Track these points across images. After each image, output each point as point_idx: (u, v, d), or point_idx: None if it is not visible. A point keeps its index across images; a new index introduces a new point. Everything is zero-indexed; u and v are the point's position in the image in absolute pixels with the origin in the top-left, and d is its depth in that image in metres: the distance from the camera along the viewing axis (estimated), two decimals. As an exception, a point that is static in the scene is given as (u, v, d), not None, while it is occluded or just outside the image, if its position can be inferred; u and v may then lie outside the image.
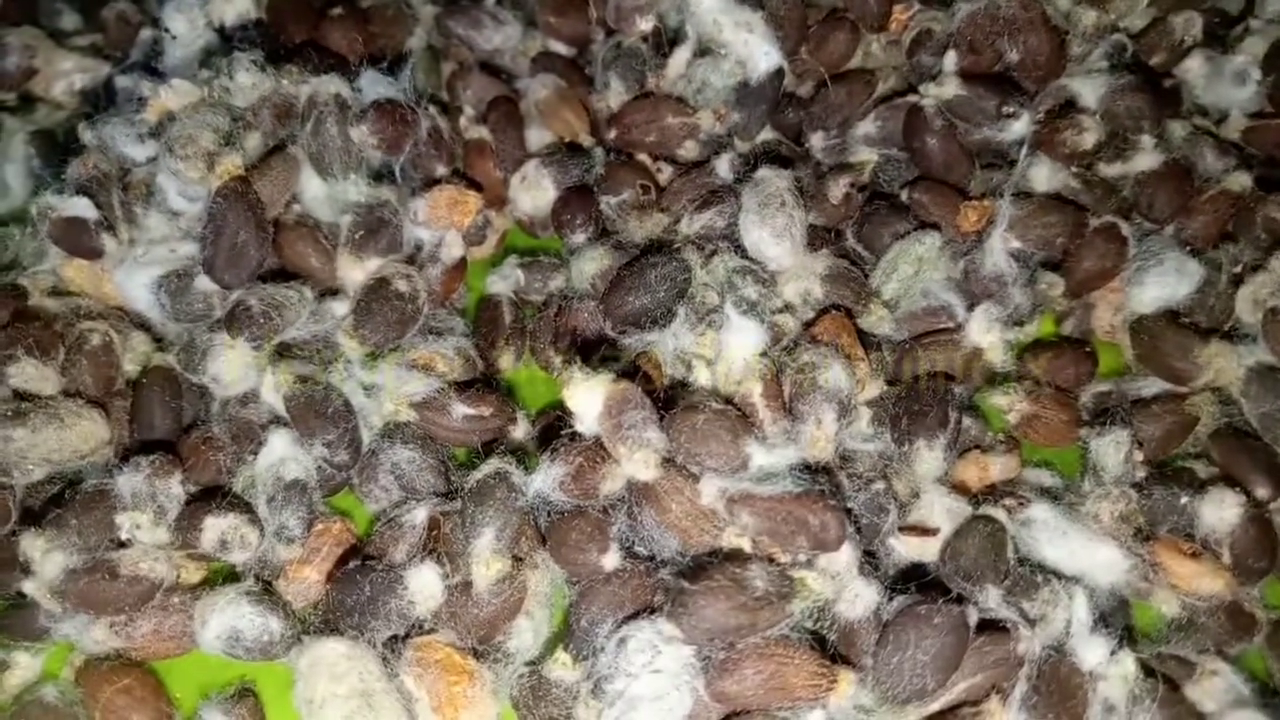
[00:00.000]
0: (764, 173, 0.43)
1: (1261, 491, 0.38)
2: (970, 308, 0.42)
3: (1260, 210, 0.43)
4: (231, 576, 0.39)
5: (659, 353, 0.40)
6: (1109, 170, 0.45)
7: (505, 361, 0.45)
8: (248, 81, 0.43)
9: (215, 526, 0.37)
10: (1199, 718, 0.34)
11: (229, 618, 0.36)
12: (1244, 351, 0.40)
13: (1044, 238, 0.42)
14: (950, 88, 0.44)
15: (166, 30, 0.47)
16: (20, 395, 0.39)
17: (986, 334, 0.41)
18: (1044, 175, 0.44)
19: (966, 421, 0.41)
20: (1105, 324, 0.44)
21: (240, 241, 0.41)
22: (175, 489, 0.38)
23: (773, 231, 0.41)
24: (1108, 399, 0.43)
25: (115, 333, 0.42)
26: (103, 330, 0.42)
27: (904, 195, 0.45)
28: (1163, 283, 0.42)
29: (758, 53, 0.46)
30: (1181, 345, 0.41)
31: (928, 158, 0.45)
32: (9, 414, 0.38)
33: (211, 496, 0.38)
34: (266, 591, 0.38)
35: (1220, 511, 0.37)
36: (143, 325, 0.43)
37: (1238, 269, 0.43)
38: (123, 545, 0.37)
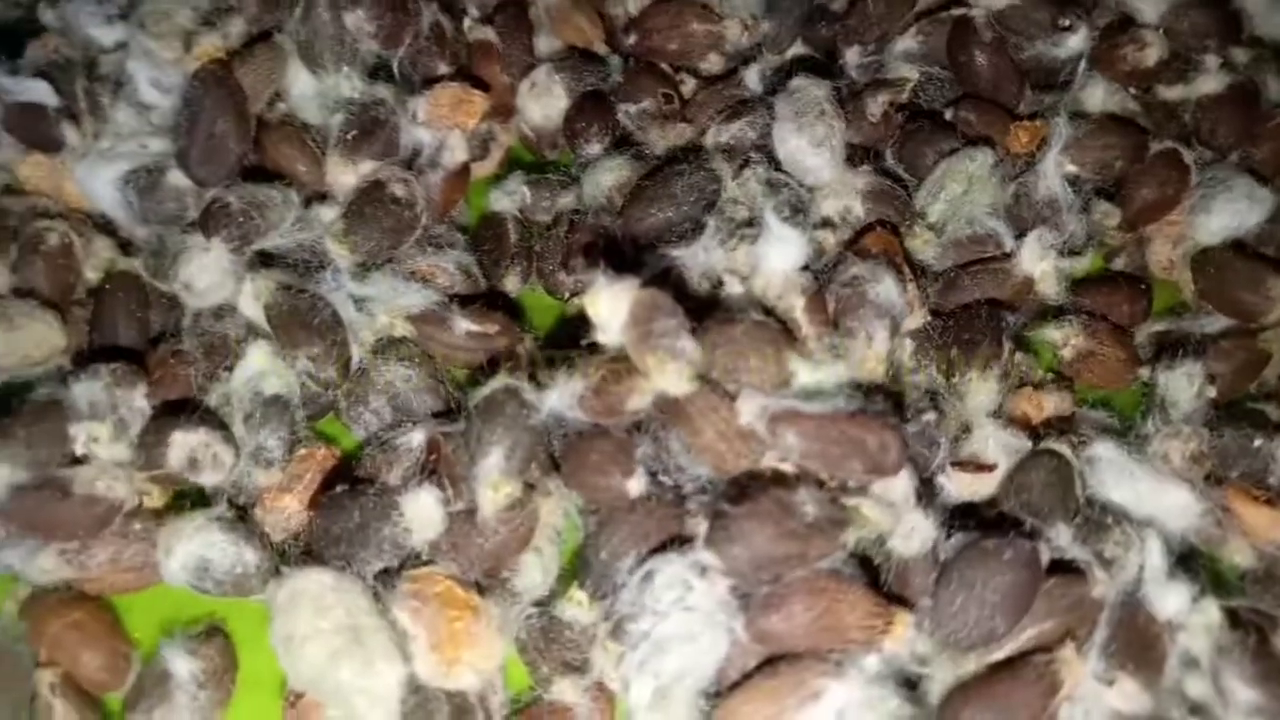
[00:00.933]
0: (799, 81, 0.39)
1: (1341, 432, 0.35)
2: (1021, 235, 0.39)
3: (1334, 137, 0.40)
4: (201, 502, 0.34)
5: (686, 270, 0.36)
6: (1169, 93, 0.42)
7: (510, 283, 0.41)
8: (232, -45, 0.39)
9: (184, 442, 0.33)
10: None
11: (197, 546, 0.32)
12: (1319, 286, 0.37)
13: (1102, 160, 0.39)
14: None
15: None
16: (-36, 292, 0.35)
17: (1040, 262, 0.38)
18: (1100, 95, 0.41)
19: (1019, 358, 0.38)
20: (1163, 259, 0.41)
21: (219, 132, 0.37)
22: (139, 401, 0.34)
23: (811, 140, 0.38)
24: (1166, 337, 0.39)
25: (76, 235, 0.38)
26: (61, 230, 0.38)
27: (949, 115, 0.41)
28: (1232, 211, 0.39)
29: None
30: (1252, 277, 0.38)
31: (975, 74, 0.41)
32: (-52, 310, 0.33)
33: (180, 411, 0.34)
34: (240, 519, 0.34)
35: (1301, 452, 0.34)
36: (106, 228, 0.39)
37: (1309, 200, 0.40)
38: (78, 461, 0.33)
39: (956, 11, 0.42)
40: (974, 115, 0.41)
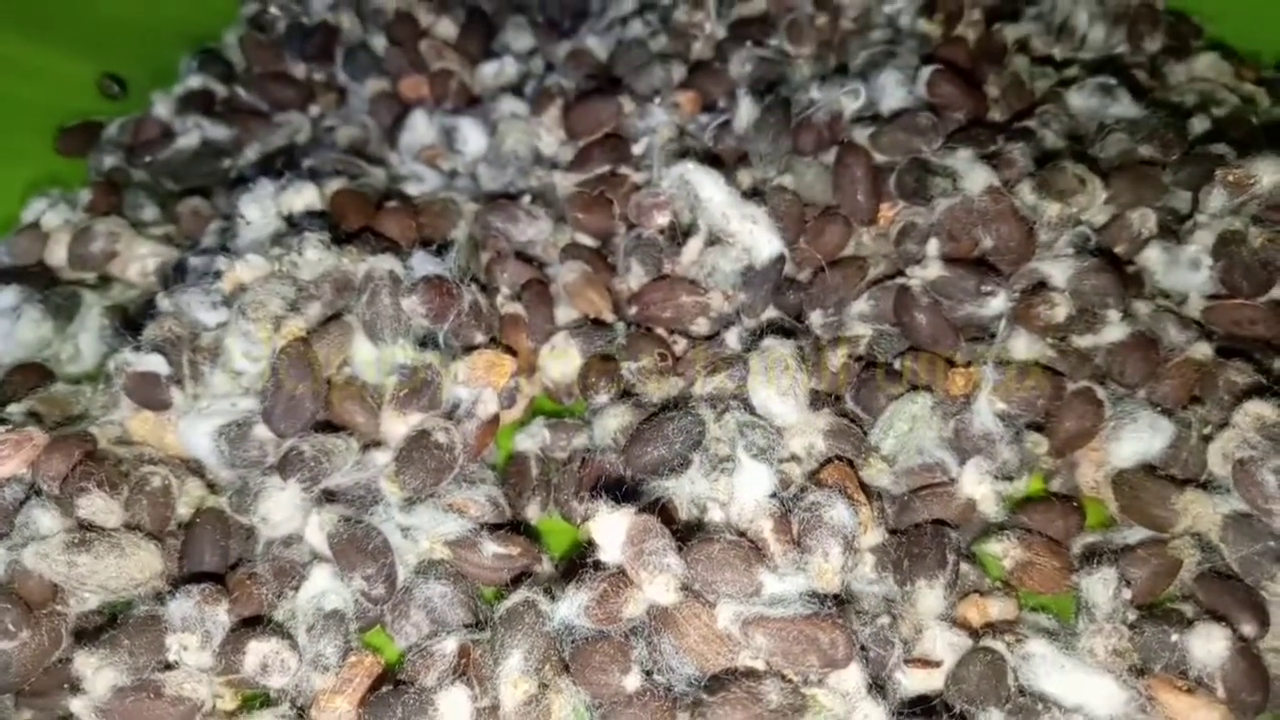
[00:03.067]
0: (769, 341, 0.48)
1: (1248, 629, 0.40)
2: (962, 463, 0.46)
3: (1222, 375, 0.47)
4: (265, 704, 0.40)
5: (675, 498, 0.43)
6: (1081, 341, 0.50)
7: (532, 511, 0.48)
8: (315, 257, 0.49)
9: (258, 650, 0.39)
10: None
11: (263, 742, 0.38)
12: (1219, 501, 0.43)
13: (1026, 400, 0.46)
14: (934, 270, 0.50)
15: (242, 216, 0.53)
16: (86, 526, 0.42)
17: (978, 485, 0.44)
18: (1023, 345, 0.49)
19: (966, 568, 0.44)
20: (1089, 480, 0.48)
21: (298, 394, 0.45)
22: (221, 616, 0.41)
23: (778, 391, 0.46)
24: (1096, 548, 0.45)
25: (174, 478, 0.46)
26: (163, 474, 0.45)
27: (898, 364, 0.49)
28: (1139, 439, 0.45)
29: (761, 241, 0.52)
30: (1160, 495, 0.44)
31: (916, 330, 0.50)
32: (76, 541, 0.41)
33: (254, 625, 0.41)
34: (300, 718, 0.39)
35: (1209, 645, 0.39)
36: (197, 471, 0.47)
37: (1207, 429, 0.46)
38: (169, 668, 0.39)
39: (899, 281, 0.51)
40: (919, 365, 0.48)
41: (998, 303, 0.49)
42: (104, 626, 0.41)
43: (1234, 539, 0.42)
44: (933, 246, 0.51)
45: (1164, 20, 0.71)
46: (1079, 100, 0.61)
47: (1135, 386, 0.48)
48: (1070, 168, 0.52)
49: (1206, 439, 0.46)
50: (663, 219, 0.54)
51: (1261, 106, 0.66)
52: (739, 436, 0.43)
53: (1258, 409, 0.44)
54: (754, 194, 0.57)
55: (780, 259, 0.52)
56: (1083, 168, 0.52)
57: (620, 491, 0.45)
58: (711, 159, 0.57)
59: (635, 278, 0.54)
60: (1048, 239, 0.51)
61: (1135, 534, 0.45)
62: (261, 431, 0.45)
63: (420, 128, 0.64)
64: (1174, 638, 0.40)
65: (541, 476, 0.49)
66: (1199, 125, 0.62)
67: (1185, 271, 0.53)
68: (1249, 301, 0.51)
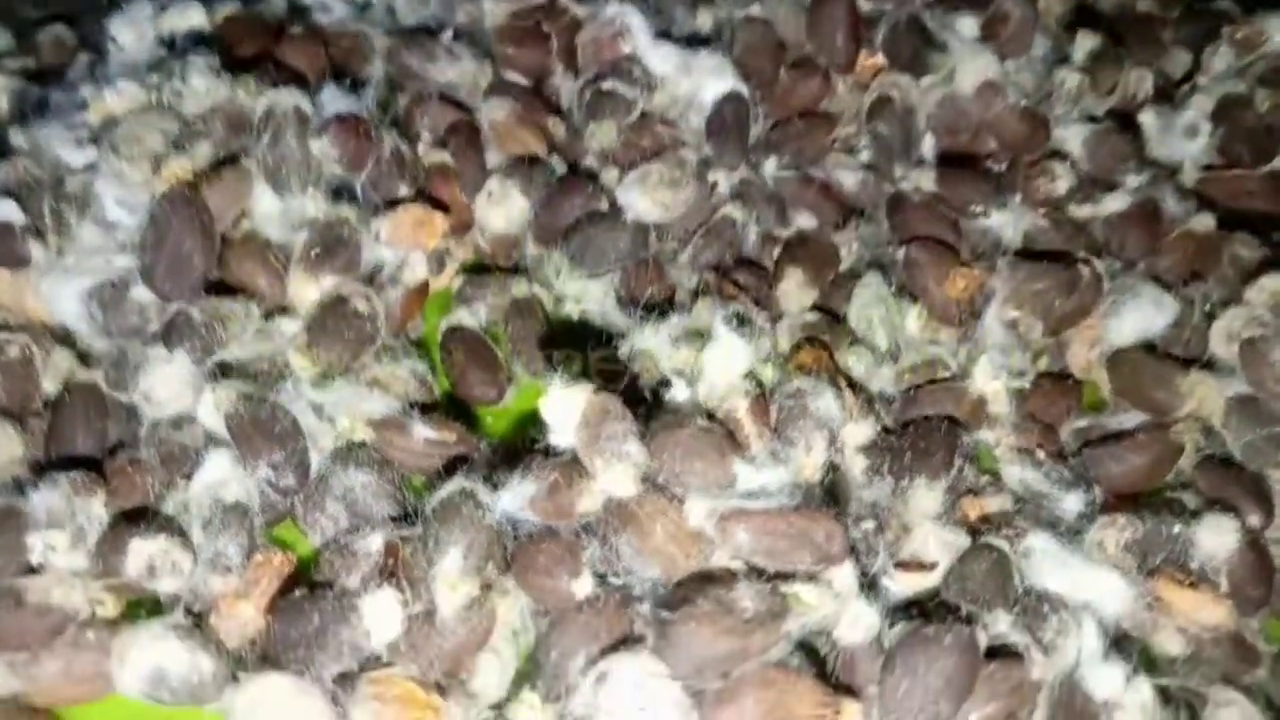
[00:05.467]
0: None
1: (1253, 519, 0.37)
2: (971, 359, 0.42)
3: (1226, 249, 0.44)
4: (156, 612, 0.34)
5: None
6: (1079, 212, 0.45)
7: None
8: (201, 87, 0.41)
9: (142, 549, 0.33)
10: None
11: (153, 655, 0.32)
12: (1222, 383, 0.40)
13: (1043, 304, 0.42)
14: (928, 179, 0.45)
15: (113, 39, 0.45)
16: (-79, 402, 0.35)
17: (991, 382, 0.40)
18: (1017, 219, 0.45)
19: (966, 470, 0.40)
20: (1081, 361, 0.44)
21: (185, 250, 0.38)
22: (97, 510, 0.34)
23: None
24: (1088, 434, 0.42)
25: (36, 347, 0.38)
26: (23, 342, 0.38)
27: (899, 254, 0.44)
28: (1140, 315, 0.42)
29: (707, 82, 0.46)
30: (1162, 376, 0.41)
31: (912, 229, 0.45)
32: (-91, 420, 0.34)
33: (138, 520, 0.34)
34: (197, 627, 0.34)
35: (1219, 537, 0.36)
36: (66, 341, 0.40)
37: (1209, 306, 0.43)
38: (32, 571, 0.33)
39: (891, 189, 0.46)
40: (923, 255, 0.43)
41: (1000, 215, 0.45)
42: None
43: (1237, 424, 0.40)
44: (928, 145, 0.46)
45: None
46: (1076, -51, 0.55)
47: (1136, 260, 0.44)
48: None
49: (1209, 317, 0.42)
50: (626, 47, 0.46)
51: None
52: (714, 305, 0.38)
53: (1271, 283, 0.40)
54: (717, 34, 0.50)
55: (733, 97, 0.46)
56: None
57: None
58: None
59: (604, 135, 0.47)
60: (1063, 111, 0.46)
61: (1130, 418, 0.42)
62: (141, 293, 0.38)
63: (329, -54, 0.55)
64: (1176, 529, 0.37)
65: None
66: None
67: (1181, 139, 0.49)
68: (1249, 171, 0.47)
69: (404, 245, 0.42)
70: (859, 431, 0.39)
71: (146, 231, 0.38)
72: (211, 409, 0.37)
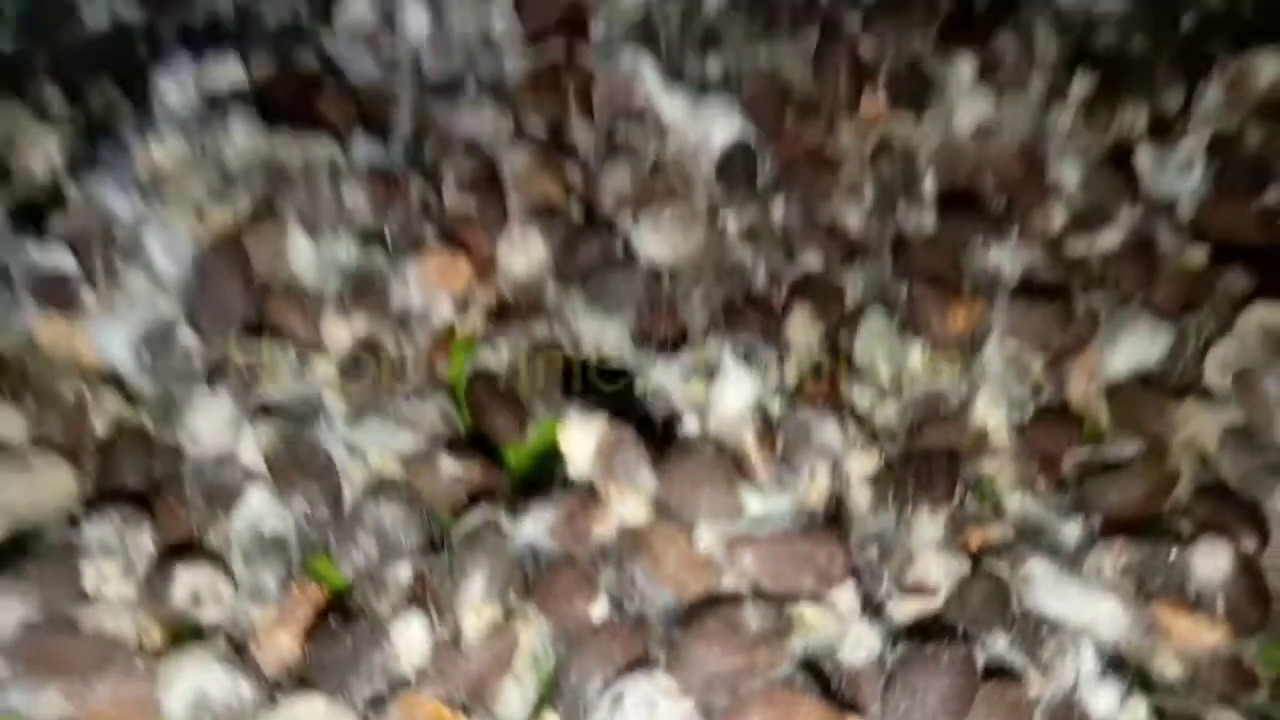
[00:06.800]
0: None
1: (1248, 543, 0.38)
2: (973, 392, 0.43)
3: (1219, 281, 0.45)
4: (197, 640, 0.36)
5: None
6: (1076, 247, 0.47)
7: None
8: (243, 140, 0.43)
9: (188, 578, 0.35)
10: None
11: (196, 679, 0.34)
12: (1217, 412, 0.41)
13: (1040, 337, 0.44)
14: (929, 218, 0.47)
15: (159, 96, 0.47)
16: (-14, 442, 0.38)
17: (992, 414, 0.42)
18: (1015, 254, 0.46)
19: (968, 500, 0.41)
20: (1080, 393, 0.45)
21: (226, 294, 0.40)
22: (145, 543, 0.36)
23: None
24: (1089, 464, 0.43)
25: (88, 390, 0.41)
26: (76, 386, 0.41)
27: (902, 291, 0.46)
28: (1135, 347, 0.43)
29: (714, 127, 0.49)
30: (1158, 406, 0.42)
31: (914, 267, 0.46)
32: (-27, 458, 0.36)
33: (183, 552, 0.36)
34: (237, 653, 0.36)
35: (1214, 561, 0.37)
36: (114, 383, 0.42)
37: (1203, 337, 0.44)
38: (86, 601, 0.35)
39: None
40: (926, 291, 0.45)
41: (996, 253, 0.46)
42: (8, 555, 0.37)
43: (1232, 452, 0.41)
44: (929, 184, 0.48)
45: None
46: (1067, -8, 0.57)
47: (1131, 293, 0.46)
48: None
49: (1204, 348, 0.44)
50: (639, 96, 0.49)
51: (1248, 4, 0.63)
52: (725, 336, 0.40)
53: (1263, 314, 0.42)
54: (725, 81, 0.52)
55: (741, 142, 0.48)
56: None
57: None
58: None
59: (619, 181, 0.49)
60: (1058, 148, 0.48)
61: (1129, 447, 0.43)
62: (186, 336, 0.41)
63: (358, 5, 0.58)
64: (1172, 554, 0.38)
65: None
66: (1190, 21, 0.59)
67: (1175, 174, 0.50)
68: (1242, 205, 0.49)
69: (431, 289, 0.44)
70: (864, 463, 0.40)
71: (191, 278, 0.40)
72: (252, 446, 0.39)
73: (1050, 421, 0.44)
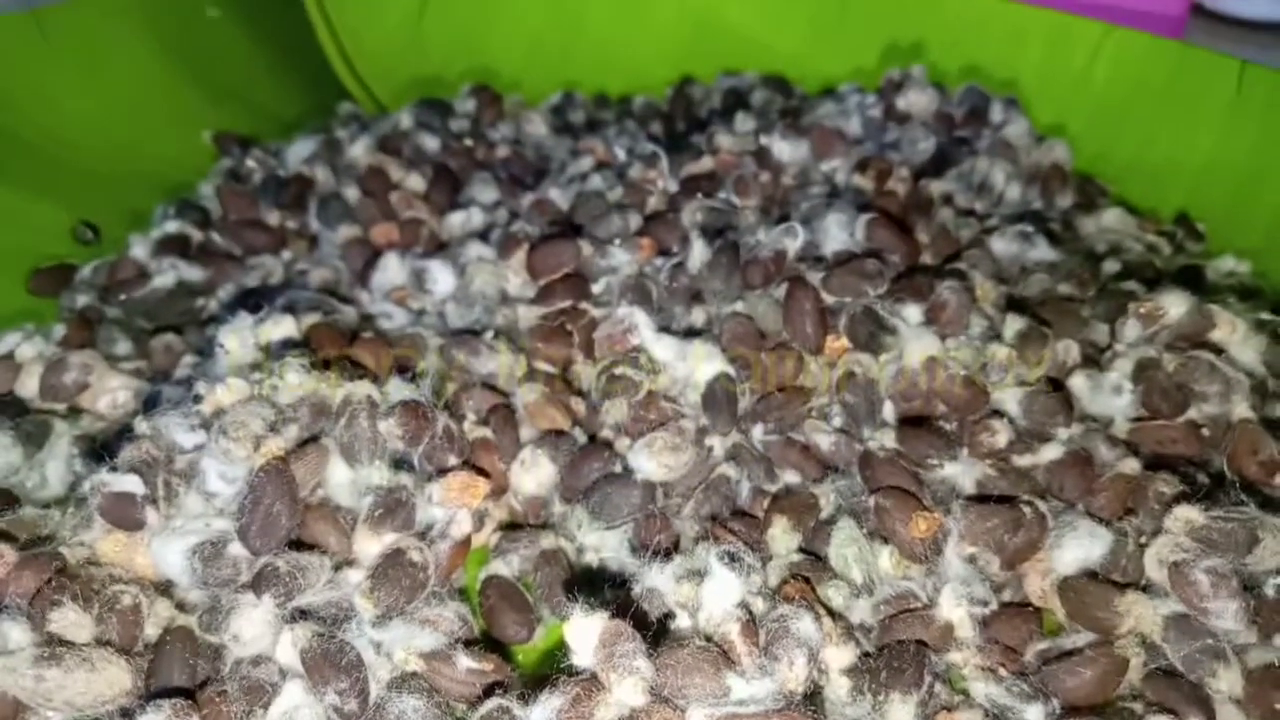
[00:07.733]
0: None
1: (1194, 722, 0.42)
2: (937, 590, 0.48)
3: (1151, 487, 0.50)
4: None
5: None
6: (1021, 461, 0.53)
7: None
8: (295, 380, 0.50)
9: (230, 765, 0.39)
10: None
11: None
12: (1159, 603, 0.46)
13: (994, 540, 0.49)
14: (890, 439, 0.53)
15: (221, 345, 0.55)
16: (56, 640, 0.42)
17: (955, 609, 0.47)
18: (968, 468, 0.53)
19: (937, 687, 0.45)
20: (1036, 589, 0.50)
21: (275, 512, 0.46)
22: (192, 734, 0.40)
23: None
24: (1048, 654, 0.47)
25: (144, 597, 0.46)
26: (134, 593, 0.45)
27: (869, 502, 0.51)
28: (1080, 546, 0.48)
29: (701, 366, 0.56)
30: (1103, 598, 0.46)
31: (879, 481, 0.52)
32: (45, 655, 0.40)
33: (224, 743, 0.40)
34: (269, 838, 0.39)
35: (1163, 739, 0.40)
36: (165, 592, 0.47)
37: (1142, 538, 0.49)
38: (136, 788, 0.38)
39: (860, 447, 0.54)
40: (889, 502, 0.50)
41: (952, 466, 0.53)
42: (67, 747, 0.41)
43: (1175, 638, 0.45)
44: (888, 410, 0.55)
45: (1073, 180, 0.78)
46: (1001, 246, 0.67)
47: (1074, 500, 0.51)
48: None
49: (1142, 546, 0.49)
50: (634, 339, 0.57)
51: (1163, 254, 0.73)
52: (712, 544, 0.45)
53: (1186, 513, 0.47)
54: (709, 327, 0.60)
55: (723, 377, 0.55)
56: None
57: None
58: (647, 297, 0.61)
59: (617, 411, 0.56)
60: (998, 378, 0.55)
61: (1083, 638, 0.47)
62: (235, 550, 0.46)
63: (392, 269, 0.68)
64: (1128, 735, 0.41)
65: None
66: (1110, 267, 0.68)
67: (1109, 396, 0.57)
68: (1169, 422, 0.55)
69: (452, 506, 0.50)
70: (841, 656, 0.45)
71: (245, 498, 0.46)
72: (289, 646, 0.43)
73: (1012, 614, 0.48)
